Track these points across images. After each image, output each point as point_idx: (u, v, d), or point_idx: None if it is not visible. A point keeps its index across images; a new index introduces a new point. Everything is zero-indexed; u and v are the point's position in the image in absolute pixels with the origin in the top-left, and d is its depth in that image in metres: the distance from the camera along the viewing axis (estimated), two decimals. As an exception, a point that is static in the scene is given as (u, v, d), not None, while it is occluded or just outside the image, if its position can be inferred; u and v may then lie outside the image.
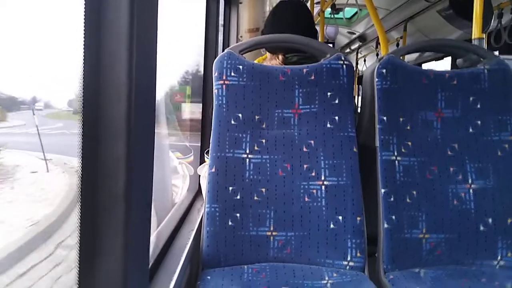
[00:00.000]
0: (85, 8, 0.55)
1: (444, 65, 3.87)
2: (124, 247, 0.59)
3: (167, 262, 1.03)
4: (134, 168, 0.59)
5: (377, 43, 4.41)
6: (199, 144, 1.87)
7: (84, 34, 0.55)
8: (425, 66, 4.16)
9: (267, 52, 1.52)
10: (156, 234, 1.14)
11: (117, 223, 0.58)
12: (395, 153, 1.17)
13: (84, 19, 0.55)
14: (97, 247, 0.58)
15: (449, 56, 3.55)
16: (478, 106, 1.22)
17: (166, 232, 1.16)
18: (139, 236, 0.65)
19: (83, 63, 0.56)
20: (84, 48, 0.55)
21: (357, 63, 5.29)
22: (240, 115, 1.16)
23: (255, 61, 2.59)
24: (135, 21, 0.56)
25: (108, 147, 0.57)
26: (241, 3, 2.85)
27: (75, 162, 0.59)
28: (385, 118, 1.19)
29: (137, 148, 0.60)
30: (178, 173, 1.90)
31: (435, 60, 3.95)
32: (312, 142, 1.17)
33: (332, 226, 1.12)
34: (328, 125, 1.18)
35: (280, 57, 1.45)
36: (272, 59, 1.48)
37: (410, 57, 3.96)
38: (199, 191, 1.71)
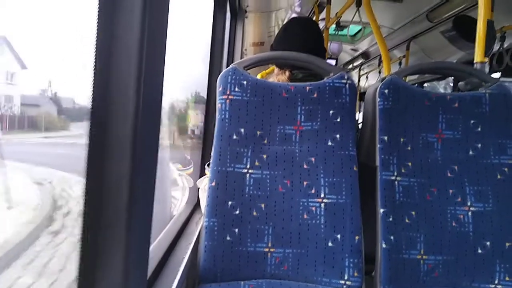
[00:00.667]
0: (97, 32, 0.56)
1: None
2: (124, 261, 0.59)
3: (164, 275, 1.02)
4: (137, 185, 0.59)
5: (380, 61, 4.44)
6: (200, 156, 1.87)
7: (95, 54, 0.56)
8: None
9: (275, 67, 1.54)
10: (154, 246, 1.14)
11: (119, 237, 0.58)
12: (395, 173, 1.18)
13: (96, 40, 0.56)
14: (98, 260, 0.59)
15: (448, 77, 3.58)
16: (479, 129, 1.23)
17: (164, 245, 1.16)
18: (139, 250, 0.65)
19: (93, 82, 0.57)
20: (94, 67, 0.56)
21: (359, 80, 5.32)
22: (242, 130, 1.17)
23: (259, 75, 2.61)
24: (145, 41, 0.57)
25: (113, 164, 0.57)
26: (247, 17, 2.88)
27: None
28: (386, 138, 1.19)
29: (141, 167, 0.61)
30: (178, 185, 1.90)
31: (437, 80, 3.98)
32: (313, 159, 1.18)
33: (330, 244, 1.12)
34: (329, 143, 1.19)
35: (287, 73, 1.46)
36: (279, 74, 1.49)
37: (411, 77, 3.99)
38: (197, 204, 1.71)
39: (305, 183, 1.16)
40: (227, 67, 1.23)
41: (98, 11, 0.57)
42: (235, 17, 2.75)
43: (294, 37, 1.50)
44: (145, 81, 0.58)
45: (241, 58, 2.82)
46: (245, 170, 1.15)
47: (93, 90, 0.57)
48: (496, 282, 1.14)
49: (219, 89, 1.19)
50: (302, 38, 1.49)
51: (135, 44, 0.57)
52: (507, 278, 1.14)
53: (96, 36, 0.56)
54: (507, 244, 1.16)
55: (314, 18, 3.41)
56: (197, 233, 1.35)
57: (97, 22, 0.57)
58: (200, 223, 1.34)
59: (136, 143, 0.58)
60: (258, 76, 2.25)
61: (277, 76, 1.51)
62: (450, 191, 1.19)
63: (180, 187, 1.83)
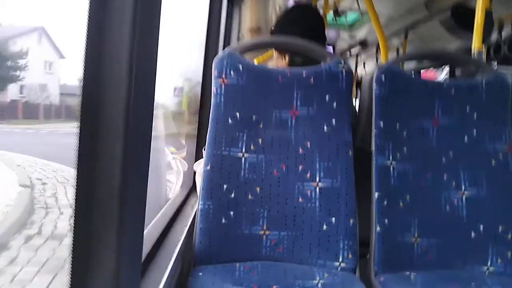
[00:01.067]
0: (89, 10, 0.55)
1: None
2: (118, 242, 0.59)
3: (159, 257, 1.03)
4: (130, 166, 0.59)
5: (377, 49, 4.42)
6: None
7: (87, 34, 0.55)
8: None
9: (275, 51, 1.53)
10: (149, 229, 1.14)
11: (112, 218, 0.58)
12: (390, 159, 1.18)
13: (88, 20, 0.55)
14: (91, 242, 0.58)
15: (446, 65, 3.57)
16: (475, 116, 1.24)
17: (159, 228, 1.17)
18: (133, 232, 0.65)
19: (84, 60, 0.56)
20: (85, 47, 0.56)
21: (356, 67, 5.31)
22: (237, 114, 1.17)
23: (255, 60, 2.60)
24: (137, 21, 0.56)
25: (105, 144, 0.57)
26: (243, 2, 2.85)
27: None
28: (381, 123, 1.20)
29: (134, 147, 0.60)
30: (172, 169, 1.90)
31: (434, 68, 3.97)
32: (308, 144, 1.18)
33: (325, 227, 1.13)
34: (325, 128, 1.19)
35: (287, 58, 1.46)
36: (279, 59, 1.49)
37: (408, 65, 3.98)
38: (193, 187, 1.71)
39: (300, 167, 1.17)
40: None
41: None
42: (232, 2, 2.71)
43: (295, 23, 1.49)
44: (137, 59, 0.57)
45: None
46: (241, 154, 1.16)
47: (84, 67, 0.56)
48: (489, 264, 1.16)
49: (214, 73, 1.18)
50: (303, 24, 1.48)
51: (127, 23, 0.56)
52: (499, 261, 1.16)
53: (88, 20, 0.55)
54: (500, 227, 1.17)
55: (310, 4, 3.38)
56: (192, 216, 1.35)
57: (89, 3, 0.56)
58: (195, 206, 1.35)
59: (129, 122, 0.57)
60: (255, 61, 2.24)
61: (276, 61, 1.50)
62: (445, 176, 1.20)
63: (174, 171, 1.83)
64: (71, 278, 0.58)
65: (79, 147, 0.57)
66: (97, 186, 0.58)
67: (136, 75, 0.58)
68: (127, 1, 0.56)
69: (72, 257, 0.59)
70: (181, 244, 1.12)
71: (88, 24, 0.56)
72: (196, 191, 1.64)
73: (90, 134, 0.57)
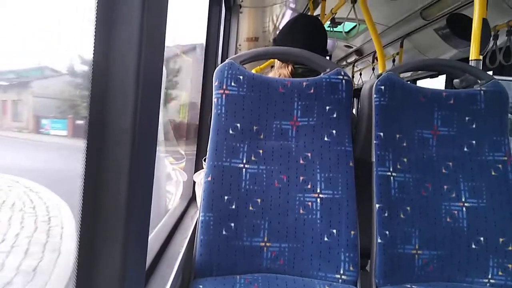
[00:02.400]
0: (95, 22, 0.56)
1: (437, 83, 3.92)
2: (123, 252, 0.59)
3: (160, 269, 1.02)
4: (136, 177, 0.59)
5: (374, 58, 4.46)
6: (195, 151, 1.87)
7: (94, 43, 0.56)
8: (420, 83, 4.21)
9: (277, 61, 1.54)
10: (150, 240, 1.14)
11: (117, 228, 0.58)
12: (391, 169, 1.18)
13: (95, 33, 0.56)
14: (96, 251, 0.58)
15: (443, 74, 3.60)
16: (474, 126, 1.24)
17: (159, 239, 1.16)
18: (137, 242, 0.65)
19: (92, 71, 0.56)
20: (93, 57, 0.56)
21: (353, 76, 5.34)
22: (238, 125, 1.17)
23: (253, 70, 2.60)
24: (144, 37, 0.57)
25: (112, 154, 0.57)
26: (241, 12, 2.88)
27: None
28: (381, 134, 1.20)
29: (140, 157, 0.61)
30: (172, 179, 1.90)
31: (430, 78, 4.01)
32: (309, 154, 1.18)
33: (326, 239, 1.13)
34: (326, 139, 1.19)
35: (290, 67, 1.47)
36: (282, 68, 1.49)
37: (404, 74, 4.01)
38: (192, 198, 1.71)
39: (301, 178, 1.16)
40: (221, 62, 1.22)
41: None
42: (230, 12, 2.74)
43: (300, 34, 1.51)
44: (144, 70, 0.58)
45: (235, 53, 2.82)
46: (241, 165, 1.15)
47: (92, 77, 0.56)
48: (490, 276, 1.16)
49: (215, 83, 1.19)
50: (308, 36, 1.50)
51: (135, 37, 0.57)
52: (500, 273, 1.16)
53: (95, 25, 0.56)
54: (501, 239, 1.17)
55: (314, 15, 3.41)
56: (192, 227, 1.35)
57: (97, 5, 0.56)
58: (195, 217, 1.34)
59: (135, 133, 0.57)
60: (253, 71, 2.25)
61: (278, 70, 1.51)
62: (445, 187, 1.20)
63: (174, 181, 1.82)
64: (76, 286, 0.58)
65: (86, 158, 0.57)
66: (103, 196, 0.58)
67: (143, 83, 0.58)
68: (134, 13, 0.56)
69: (77, 266, 0.59)
70: (182, 256, 1.12)
71: (95, 32, 0.56)
72: (196, 201, 1.63)
73: (98, 143, 0.57)
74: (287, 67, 1.47)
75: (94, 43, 0.56)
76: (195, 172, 1.63)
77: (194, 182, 1.62)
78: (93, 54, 0.57)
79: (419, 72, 3.97)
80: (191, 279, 1.09)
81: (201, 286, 1.02)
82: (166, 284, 0.94)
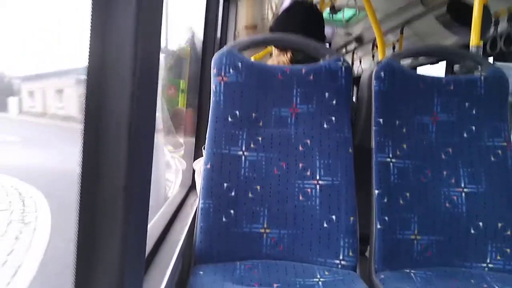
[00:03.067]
0: (92, 12, 0.55)
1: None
2: (123, 239, 0.59)
3: (160, 256, 1.03)
4: (134, 163, 0.59)
5: (373, 45, 4.43)
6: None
7: (90, 36, 0.55)
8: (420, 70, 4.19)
9: (275, 49, 1.53)
10: (150, 228, 1.14)
11: (116, 215, 0.58)
12: (390, 155, 1.19)
13: (91, 23, 0.55)
14: (96, 238, 0.58)
15: (444, 61, 3.58)
16: (474, 112, 1.24)
17: (159, 227, 1.16)
18: (137, 230, 0.65)
19: (89, 59, 0.56)
20: (89, 48, 0.55)
21: (352, 64, 5.31)
22: (237, 112, 1.17)
23: (252, 58, 2.58)
24: (140, 27, 0.56)
25: (110, 141, 0.57)
26: (239, 0, 2.85)
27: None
28: (381, 120, 1.20)
29: (138, 144, 0.60)
30: (171, 167, 1.90)
31: (430, 64, 3.98)
32: (308, 141, 1.18)
33: (325, 225, 1.13)
34: (325, 126, 1.19)
35: (289, 54, 1.45)
36: (280, 55, 1.48)
37: (405, 61, 3.98)
38: (192, 186, 1.71)
39: (300, 165, 1.16)
40: (219, 50, 1.21)
41: None
42: (228, 0, 2.71)
43: (296, 21, 1.49)
44: (141, 58, 0.57)
45: (234, 40, 2.80)
46: (240, 153, 1.15)
47: (88, 65, 0.56)
48: (488, 261, 1.17)
49: (213, 70, 1.18)
50: (304, 22, 1.48)
51: (130, 28, 0.56)
52: (498, 257, 1.16)
53: (91, 15, 0.55)
54: (499, 224, 1.18)
55: (311, 2, 3.38)
56: (192, 214, 1.35)
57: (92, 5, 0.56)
58: (195, 205, 1.34)
59: (133, 119, 0.57)
60: (252, 59, 2.24)
61: (277, 58, 1.50)
62: (444, 172, 1.21)
63: (173, 169, 1.82)
64: (76, 274, 0.58)
65: (83, 147, 0.57)
66: (101, 185, 0.58)
67: (140, 75, 0.58)
68: (130, 3, 0.56)
69: (77, 254, 0.59)
70: (182, 243, 1.12)
71: (91, 25, 0.56)
72: (196, 189, 1.64)
73: (94, 133, 0.57)
74: (286, 54, 1.46)
75: (90, 32, 0.56)
76: (194, 160, 1.63)
77: (194, 170, 1.62)
78: (89, 43, 0.56)
79: (419, 59, 3.95)
80: (191, 265, 1.10)
81: (201, 272, 1.03)
82: (166, 271, 0.95)
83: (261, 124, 1.18)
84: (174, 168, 1.85)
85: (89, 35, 0.56)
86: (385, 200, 1.15)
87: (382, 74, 1.21)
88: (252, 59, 2.33)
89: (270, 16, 3.66)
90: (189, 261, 1.14)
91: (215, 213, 1.11)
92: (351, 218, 1.13)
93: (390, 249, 1.14)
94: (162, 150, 1.62)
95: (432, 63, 3.95)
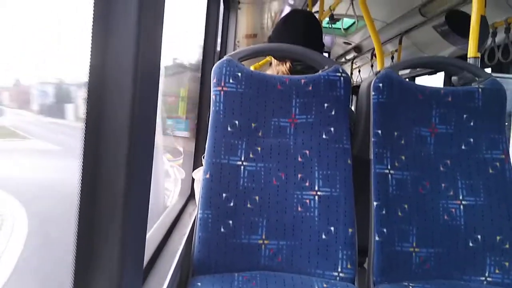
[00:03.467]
0: (93, 17, 0.55)
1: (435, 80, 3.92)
2: (121, 248, 0.59)
3: (158, 266, 1.02)
4: (134, 172, 0.59)
5: (372, 55, 4.45)
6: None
7: (91, 42, 0.56)
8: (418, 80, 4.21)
9: (273, 59, 1.53)
10: (148, 237, 1.14)
11: (115, 224, 0.58)
12: (389, 167, 1.19)
13: (92, 26, 0.55)
14: (94, 247, 0.58)
15: (442, 71, 3.60)
16: (472, 123, 1.24)
17: (158, 236, 1.16)
18: (135, 238, 0.65)
19: (89, 67, 0.56)
20: (91, 55, 0.56)
21: (351, 73, 5.33)
22: (236, 122, 1.17)
23: (252, 67, 2.59)
24: (141, 29, 0.57)
25: (110, 151, 0.57)
26: (240, 9, 2.87)
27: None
28: (379, 131, 1.20)
29: (137, 153, 0.61)
30: (170, 177, 1.90)
31: (428, 75, 4.00)
32: (307, 152, 1.18)
33: (323, 236, 1.13)
34: (324, 136, 1.19)
35: (288, 64, 1.45)
36: (279, 65, 1.48)
37: (403, 71, 4.00)
38: (191, 195, 1.71)
39: (299, 176, 1.17)
40: (219, 59, 1.22)
41: None
42: (228, 9, 2.73)
43: (293, 30, 1.49)
44: (141, 66, 0.58)
45: (234, 50, 2.81)
46: (240, 163, 1.15)
47: (89, 74, 0.56)
48: (487, 274, 1.16)
49: (213, 80, 1.18)
50: (302, 32, 1.48)
51: (132, 31, 0.57)
52: (497, 271, 1.16)
53: (92, 19, 0.56)
54: (498, 237, 1.18)
55: (308, 10, 3.40)
56: (190, 224, 1.35)
57: (93, 10, 0.56)
58: (194, 214, 1.34)
59: (133, 128, 0.57)
60: (251, 68, 2.24)
61: (276, 67, 1.50)
62: (443, 185, 1.21)
63: (172, 179, 1.82)
64: (74, 283, 0.58)
65: (84, 152, 0.57)
66: (101, 191, 0.58)
67: (141, 80, 0.58)
68: (131, 7, 0.56)
69: (75, 262, 0.59)
70: (180, 253, 1.12)
71: (93, 28, 0.56)
72: (194, 199, 1.63)
73: (95, 139, 0.57)
74: (285, 64, 1.46)
75: (92, 38, 0.56)
76: (193, 170, 1.63)
77: (193, 179, 1.62)
78: (91, 48, 0.56)
79: (418, 69, 3.97)
80: (189, 276, 1.09)
81: (199, 284, 1.03)
82: (164, 281, 0.94)
83: (260, 134, 1.18)
84: (173, 177, 1.85)
85: (90, 41, 0.56)
86: (384, 212, 1.15)
87: (381, 85, 1.22)
88: (252, 68, 2.34)
89: (270, 25, 3.68)
90: (187, 271, 1.14)
91: (214, 223, 1.11)
92: (350, 230, 1.13)
93: (389, 262, 1.14)
94: (161, 159, 1.62)
95: (430, 74, 3.96)
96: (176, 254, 1.11)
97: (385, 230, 1.14)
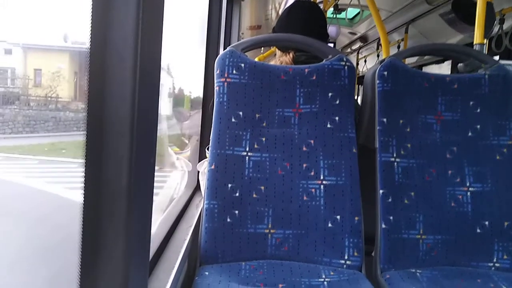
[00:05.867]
0: (92, 10, 0.55)
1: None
2: (126, 240, 0.59)
3: (165, 257, 1.03)
4: (137, 165, 0.59)
5: (378, 44, 4.42)
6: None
7: (91, 35, 0.56)
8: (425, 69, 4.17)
9: (277, 50, 1.53)
10: (155, 229, 1.15)
11: (120, 216, 0.58)
12: (394, 155, 1.18)
13: (91, 20, 0.55)
14: (100, 239, 0.59)
15: (449, 60, 3.57)
16: (478, 110, 1.23)
17: (164, 228, 1.17)
18: (140, 230, 0.66)
19: (89, 62, 0.56)
20: (90, 48, 0.56)
21: (357, 64, 5.30)
22: (240, 113, 1.17)
23: (256, 58, 2.59)
24: (140, 24, 0.57)
25: (112, 143, 0.57)
26: (243, 0, 2.85)
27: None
28: (385, 120, 1.20)
29: (140, 145, 0.61)
30: (177, 168, 1.90)
31: (436, 63, 3.97)
32: (312, 141, 1.18)
33: (330, 225, 1.13)
34: (328, 125, 1.19)
35: (291, 54, 1.46)
36: (283, 56, 1.48)
37: (410, 60, 3.97)
38: (197, 187, 1.72)
39: (304, 165, 1.17)
40: (224, 51, 1.22)
41: None
42: (232, 1, 2.71)
43: (297, 21, 1.49)
44: (141, 60, 0.58)
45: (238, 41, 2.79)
46: (244, 153, 1.16)
47: (89, 68, 0.56)
48: (495, 260, 1.16)
49: (216, 71, 1.18)
50: (305, 22, 1.48)
51: (132, 24, 0.57)
52: (505, 257, 1.16)
53: (91, 12, 0.56)
54: (506, 223, 1.17)
55: (312, 1, 3.37)
56: (197, 215, 1.36)
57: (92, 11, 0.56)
58: (200, 205, 1.35)
59: (135, 121, 0.57)
60: (256, 59, 2.24)
61: (279, 58, 1.50)
62: (449, 171, 1.20)
63: (179, 171, 1.83)
64: (80, 275, 0.59)
65: (86, 147, 0.58)
66: (104, 186, 0.59)
67: (141, 75, 0.58)
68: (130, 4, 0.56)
69: (81, 255, 0.59)
70: (187, 244, 1.13)
71: (92, 23, 0.56)
72: (200, 190, 1.64)
73: (97, 134, 0.58)
74: (288, 54, 1.46)
75: (91, 31, 0.56)
76: (198, 162, 1.64)
77: (198, 172, 1.63)
78: (90, 42, 0.57)
79: (425, 58, 3.94)
80: (196, 266, 1.10)
81: (206, 273, 1.04)
82: (172, 271, 0.95)
83: (264, 124, 1.18)
84: (180, 169, 1.86)
85: (89, 32, 0.56)
86: (390, 200, 1.15)
87: (385, 73, 1.21)
88: (257, 59, 2.33)
89: (274, 16, 3.66)
90: (194, 261, 1.15)
91: (220, 213, 1.11)
92: (356, 218, 1.13)
93: (396, 249, 1.14)
94: (167, 150, 1.63)
95: (437, 62, 3.93)
96: (183, 244, 1.12)
97: (391, 217, 1.14)
